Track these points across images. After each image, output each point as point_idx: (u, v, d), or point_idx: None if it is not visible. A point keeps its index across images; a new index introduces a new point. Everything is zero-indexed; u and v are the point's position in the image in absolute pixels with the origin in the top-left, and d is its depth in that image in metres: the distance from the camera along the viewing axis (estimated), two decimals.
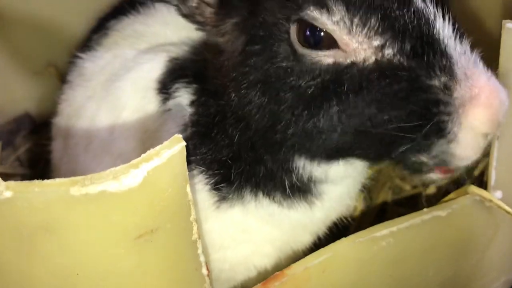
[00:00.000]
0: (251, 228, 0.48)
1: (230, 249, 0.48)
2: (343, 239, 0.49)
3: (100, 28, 0.63)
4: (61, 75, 0.81)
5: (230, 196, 0.46)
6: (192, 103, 0.48)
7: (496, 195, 0.55)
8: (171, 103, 0.50)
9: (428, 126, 0.36)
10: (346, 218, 0.58)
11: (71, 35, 0.79)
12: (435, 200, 0.63)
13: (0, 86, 0.78)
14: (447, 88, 0.36)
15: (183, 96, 0.49)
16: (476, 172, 0.61)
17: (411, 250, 0.53)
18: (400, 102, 0.36)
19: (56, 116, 0.63)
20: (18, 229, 0.31)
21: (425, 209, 0.51)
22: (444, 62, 0.36)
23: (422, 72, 0.36)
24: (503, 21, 0.47)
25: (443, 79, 0.36)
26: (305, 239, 0.51)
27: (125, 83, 0.54)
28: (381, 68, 0.37)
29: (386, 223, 0.50)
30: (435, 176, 0.40)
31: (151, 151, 0.30)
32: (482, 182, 0.59)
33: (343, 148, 0.40)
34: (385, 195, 0.69)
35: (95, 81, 0.58)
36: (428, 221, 0.52)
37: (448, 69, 0.36)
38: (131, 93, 0.53)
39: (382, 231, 0.49)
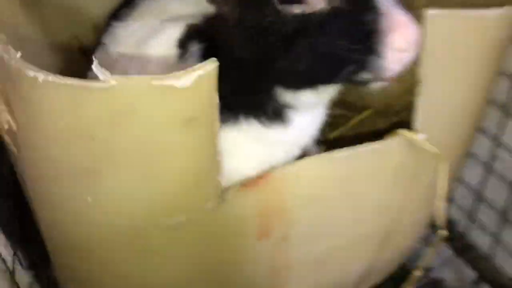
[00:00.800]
0: (242, 144, 0.67)
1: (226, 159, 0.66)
2: (309, 157, 0.68)
3: (128, 3, 0.82)
4: (83, 48, 0.98)
5: (230, 119, 0.65)
6: (204, 56, 0.66)
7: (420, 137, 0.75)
8: (188, 55, 0.68)
9: (365, 47, 0.56)
10: None
11: (93, 16, 0.97)
12: None
13: (32, 54, 0.94)
14: (377, 22, 0.55)
15: (197, 51, 0.68)
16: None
17: (358, 173, 0.72)
18: (346, 33, 0.56)
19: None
20: (111, 112, 0.49)
21: (365, 144, 0.71)
22: (374, 4, 0.56)
23: (359, 12, 0.56)
24: (426, 10, 0.68)
25: (373, 16, 0.55)
26: (281, 156, 0.70)
27: (152, 42, 0.72)
28: (332, 12, 0.57)
29: (339, 150, 0.69)
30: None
31: (200, 64, 0.49)
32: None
33: (310, 75, 0.60)
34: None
35: (126, 42, 0.76)
36: (368, 151, 0.71)
37: (377, 9, 0.56)
38: (156, 49, 0.71)
39: (337, 154, 0.69)
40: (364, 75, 0.58)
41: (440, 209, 0.77)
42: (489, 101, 0.91)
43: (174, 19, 0.72)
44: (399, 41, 0.55)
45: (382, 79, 0.59)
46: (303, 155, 0.77)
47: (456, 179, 1.04)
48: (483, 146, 0.97)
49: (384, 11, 0.56)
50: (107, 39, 0.78)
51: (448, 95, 0.73)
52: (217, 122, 0.53)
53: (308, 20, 0.57)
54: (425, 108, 0.71)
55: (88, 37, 0.98)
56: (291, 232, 0.71)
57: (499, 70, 0.80)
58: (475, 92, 0.76)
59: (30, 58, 0.83)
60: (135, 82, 0.47)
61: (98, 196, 0.56)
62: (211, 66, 0.49)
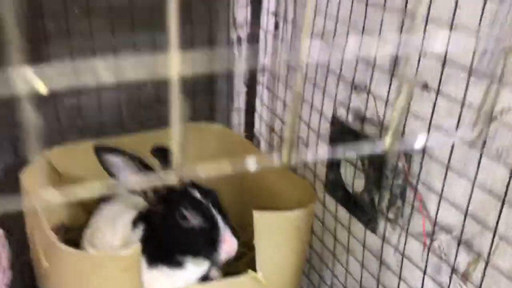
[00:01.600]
0: (159, 279, 1.28)
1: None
2: (192, 285, 1.31)
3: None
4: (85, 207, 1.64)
5: (153, 264, 1.28)
6: (144, 231, 1.31)
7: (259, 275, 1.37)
8: (137, 230, 1.33)
9: (210, 248, 1.19)
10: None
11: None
12: None
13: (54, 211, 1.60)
14: (218, 236, 1.20)
15: (141, 228, 1.33)
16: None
17: None
18: (203, 239, 1.19)
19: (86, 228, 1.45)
20: (91, 265, 1.12)
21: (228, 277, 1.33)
22: (217, 227, 1.21)
23: (208, 229, 1.19)
24: (253, 211, 1.33)
25: (215, 233, 1.20)
26: (182, 285, 1.32)
27: (119, 219, 1.36)
28: (197, 230, 1.21)
29: (211, 281, 1.32)
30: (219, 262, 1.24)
31: (132, 245, 1.13)
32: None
33: (188, 253, 1.23)
34: None
35: (107, 216, 1.42)
36: (230, 282, 1.33)
37: (218, 230, 1.21)
38: (121, 224, 1.36)
39: (209, 284, 1.31)
40: (212, 258, 1.22)
41: None
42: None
43: (135, 206, 1.38)
44: (227, 246, 1.19)
45: (220, 261, 1.24)
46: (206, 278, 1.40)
47: None
48: None
49: (221, 230, 1.20)
50: (98, 211, 1.45)
51: (277, 256, 1.36)
52: (140, 268, 1.17)
53: (187, 230, 1.21)
54: (263, 259, 1.33)
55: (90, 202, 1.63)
56: None
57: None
58: (295, 255, 1.39)
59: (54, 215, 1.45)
60: (103, 253, 1.12)
61: None
62: (137, 246, 1.14)
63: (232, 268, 1.60)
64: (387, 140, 0.35)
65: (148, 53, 1.75)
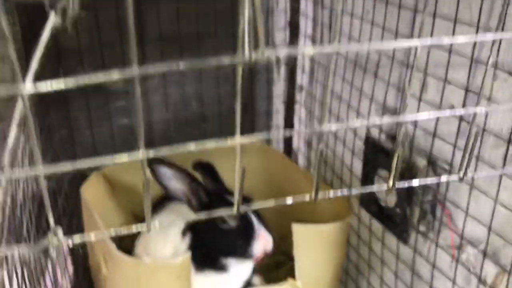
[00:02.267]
0: (205, 283, 1.41)
1: None
2: None
3: (163, 201, 1.62)
4: (137, 217, 1.78)
5: (199, 269, 1.40)
6: (191, 240, 1.43)
7: (298, 283, 1.46)
8: (186, 237, 1.45)
9: (246, 243, 1.31)
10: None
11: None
12: None
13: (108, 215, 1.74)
14: (253, 233, 1.31)
15: (189, 237, 1.45)
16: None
17: None
18: (239, 236, 1.32)
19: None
20: (145, 272, 1.25)
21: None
22: (252, 226, 1.32)
23: (244, 228, 1.31)
24: (292, 224, 1.43)
25: (251, 231, 1.30)
26: None
27: (171, 229, 1.49)
28: (235, 229, 1.33)
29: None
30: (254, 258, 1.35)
31: (182, 255, 1.25)
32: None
33: (226, 253, 1.35)
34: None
35: (157, 226, 1.55)
36: None
37: (253, 228, 1.31)
38: (172, 233, 1.49)
39: None
40: (248, 254, 1.33)
41: None
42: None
43: (183, 217, 1.51)
44: (261, 242, 1.31)
45: (256, 257, 1.35)
46: (248, 285, 1.51)
47: None
48: None
49: (256, 228, 1.32)
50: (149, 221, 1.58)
51: (315, 266, 1.46)
52: (190, 275, 1.29)
53: (227, 232, 1.33)
54: (302, 268, 1.43)
55: (141, 211, 1.78)
56: None
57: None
58: (333, 265, 1.48)
59: (108, 219, 1.60)
60: (157, 262, 1.24)
61: None
62: (188, 255, 1.26)
63: (272, 276, 1.71)
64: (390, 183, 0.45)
65: (193, 76, 1.89)
